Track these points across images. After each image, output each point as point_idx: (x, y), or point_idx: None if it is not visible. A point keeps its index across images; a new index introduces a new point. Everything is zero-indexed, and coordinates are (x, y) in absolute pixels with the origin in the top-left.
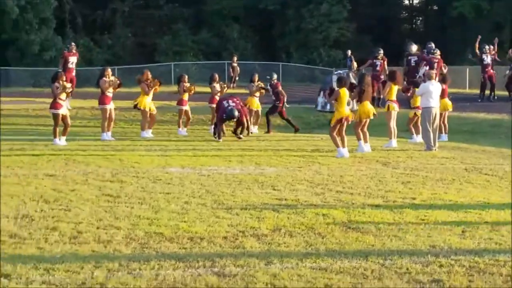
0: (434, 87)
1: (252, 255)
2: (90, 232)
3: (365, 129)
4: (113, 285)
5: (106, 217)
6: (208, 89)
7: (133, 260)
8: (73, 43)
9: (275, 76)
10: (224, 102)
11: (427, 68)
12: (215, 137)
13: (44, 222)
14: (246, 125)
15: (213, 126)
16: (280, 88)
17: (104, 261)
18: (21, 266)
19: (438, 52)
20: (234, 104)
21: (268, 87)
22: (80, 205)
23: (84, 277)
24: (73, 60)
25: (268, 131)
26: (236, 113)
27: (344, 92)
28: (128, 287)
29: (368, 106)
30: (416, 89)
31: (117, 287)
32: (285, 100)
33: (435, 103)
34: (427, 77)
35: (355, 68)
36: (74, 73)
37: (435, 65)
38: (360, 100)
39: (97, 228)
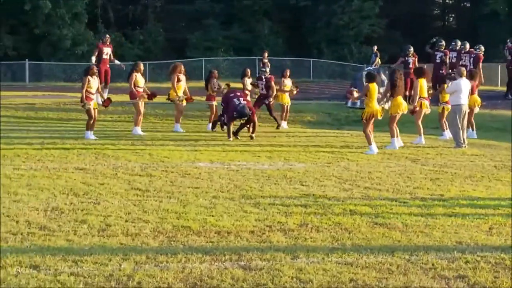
0: (465, 84)
1: (278, 249)
2: (119, 225)
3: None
4: (140, 277)
5: (134, 210)
6: (239, 85)
7: (161, 253)
8: (107, 36)
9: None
10: (235, 100)
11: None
12: (228, 138)
13: (73, 215)
14: (256, 124)
15: (210, 124)
16: (273, 83)
17: (132, 253)
18: (50, 258)
19: (482, 48)
20: (245, 102)
21: (259, 81)
22: (109, 198)
23: (111, 269)
24: (107, 51)
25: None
26: (248, 111)
27: (374, 87)
28: (155, 279)
29: (401, 100)
30: (445, 85)
31: (144, 280)
32: (274, 95)
33: (465, 100)
34: (458, 74)
35: (379, 64)
36: (108, 65)
37: (471, 60)
38: (392, 95)
39: (126, 221)
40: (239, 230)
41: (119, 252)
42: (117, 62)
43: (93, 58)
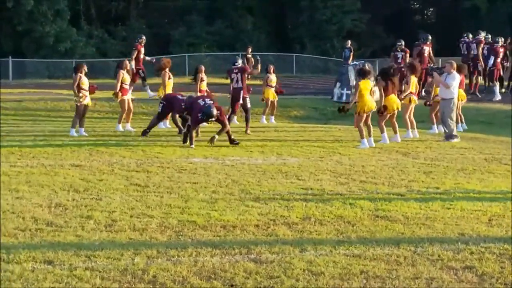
0: (458, 77)
1: (285, 242)
2: (125, 220)
3: (394, 120)
4: (155, 271)
5: (138, 206)
6: (222, 80)
7: (170, 248)
8: (143, 36)
9: (240, 60)
10: (200, 101)
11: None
12: (190, 145)
13: (78, 211)
14: (227, 127)
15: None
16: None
17: (142, 248)
18: (62, 253)
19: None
20: (211, 102)
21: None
22: (110, 194)
23: (125, 264)
24: (143, 51)
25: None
26: (215, 112)
27: (365, 84)
28: (169, 273)
29: (394, 98)
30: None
31: (159, 274)
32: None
33: (456, 94)
34: (452, 67)
35: (351, 60)
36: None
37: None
38: (386, 94)
39: (131, 216)
40: (244, 224)
41: (129, 247)
42: (147, 58)
43: (133, 62)
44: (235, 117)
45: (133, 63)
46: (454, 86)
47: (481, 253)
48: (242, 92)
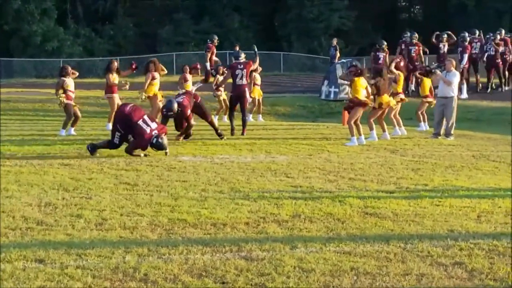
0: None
1: (276, 240)
2: (115, 219)
3: (382, 118)
4: (146, 269)
5: (127, 204)
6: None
7: (161, 246)
8: (216, 37)
9: (243, 55)
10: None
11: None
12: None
13: (68, 210)
14: (187, 129)
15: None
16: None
17: (133, 246)
18: (53, 252)
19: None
20: (181, 100)
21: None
22: (100, 193)
23: (116, 262)
24: (215, 51)
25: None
26: (175, 106)
27: (359, 81)
28: (160, 271)
29: (387, 98)
30: (425, 78)
31: (150, 272)
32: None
33: (457, 91)
34: (452, 65)
35: (337, 58)
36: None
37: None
38: (378, 94)
39: (121, 215)
40: (234, 222)
41: (120, 245)
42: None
43: (208, 63)
44: (225, 116)
45: (208, 64)
46: (455, 84)
47: (470, 249)
48: (246, 89)
